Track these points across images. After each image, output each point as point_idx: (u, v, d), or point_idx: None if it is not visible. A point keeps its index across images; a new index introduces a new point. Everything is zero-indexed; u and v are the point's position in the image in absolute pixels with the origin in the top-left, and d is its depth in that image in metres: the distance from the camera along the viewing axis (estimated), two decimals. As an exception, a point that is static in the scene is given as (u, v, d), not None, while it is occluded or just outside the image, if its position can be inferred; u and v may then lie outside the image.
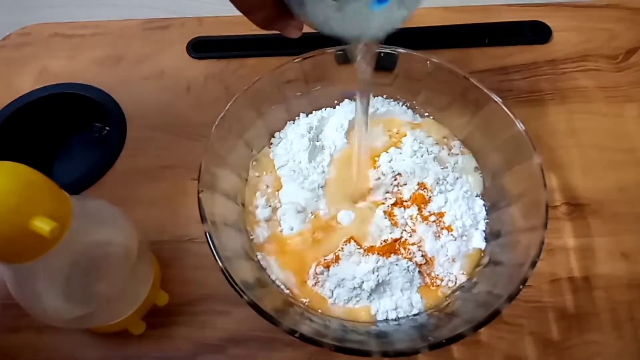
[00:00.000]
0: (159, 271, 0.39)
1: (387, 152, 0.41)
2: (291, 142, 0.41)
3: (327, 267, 0.37)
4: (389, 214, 0.38)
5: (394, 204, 0.39)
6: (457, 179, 0.40)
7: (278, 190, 0.40)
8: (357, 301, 0.36)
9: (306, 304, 0.36)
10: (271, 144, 0.43)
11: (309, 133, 0.41)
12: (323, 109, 0.44)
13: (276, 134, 0.43)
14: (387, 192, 0.39)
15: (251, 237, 0.38)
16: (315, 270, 0.37)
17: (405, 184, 0.40)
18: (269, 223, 0.38)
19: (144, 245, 0.33)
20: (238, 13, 0.31)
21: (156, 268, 0.38)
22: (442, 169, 0.40)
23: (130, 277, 0.31)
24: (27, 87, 0.51)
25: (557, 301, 0.38)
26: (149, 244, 0.34)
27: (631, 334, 0.37)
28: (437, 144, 0.42)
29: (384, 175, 0.40)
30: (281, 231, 0.38)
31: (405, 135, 0.42)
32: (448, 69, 0.39)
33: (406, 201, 0.39)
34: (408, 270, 0.36)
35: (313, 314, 0.35)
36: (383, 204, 0.39)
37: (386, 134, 0.43)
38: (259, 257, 0.37)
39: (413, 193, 0.39)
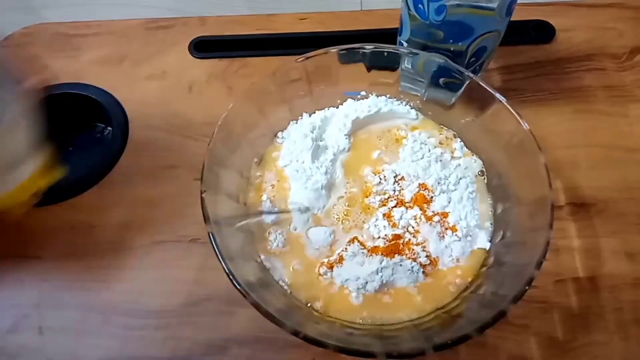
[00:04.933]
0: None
1: (388, 153, 0.41)
2: (294, 141, 0.41)
3: (331, 267, 0.36)
4: (387, 216, 0.38)
5: (395, 206, 0.39)
6: (461, 179, 0.39)
7: (282, 190, 0.40)
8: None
9: (310, 304, 0.35)
10: (274, 143, 0.43)
11: (312, 133, 0.41)
12: (326, 109, 0.44)
13: (279, 134, 0.43)
14: (389, 196, 0.39)
15: (264, 245, 0.38)
16: (319, 270, 0.36)
17: (407, 186, 0.39)
18: (277, 226, 0.38)
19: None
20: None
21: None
22: (444, 169, 0.40)
23: None
24: (29, 87, 0.51)
25: (562, 301, 0.38)
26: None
27: (636, 334, 0.37)
28: (440, 144, 0.42)
29: (385, 180, 0.40)
30: (288, 232, 0.38)
31: (406, 138, 0.42)
32: (453, 68, 0.39)
33: (408, 202, 0.39)
34: (412, 271, 0.36)
35: (317, 315, 0.35)
36: (384, 205, 0.39)
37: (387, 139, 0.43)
38: (262, 257, 0.37)
39: (414, 194, 0.39)
